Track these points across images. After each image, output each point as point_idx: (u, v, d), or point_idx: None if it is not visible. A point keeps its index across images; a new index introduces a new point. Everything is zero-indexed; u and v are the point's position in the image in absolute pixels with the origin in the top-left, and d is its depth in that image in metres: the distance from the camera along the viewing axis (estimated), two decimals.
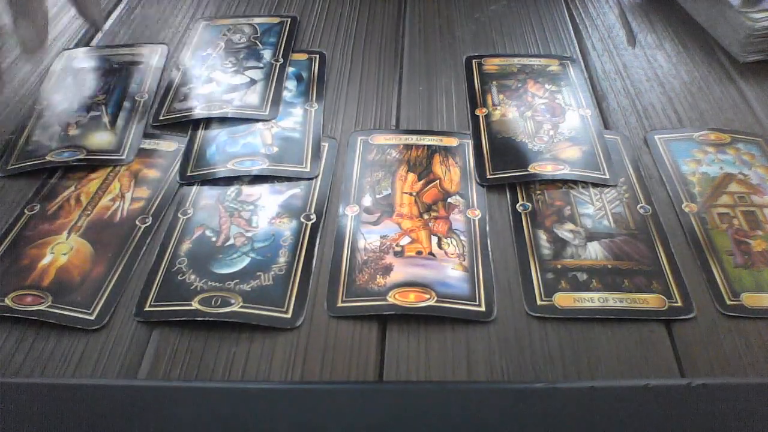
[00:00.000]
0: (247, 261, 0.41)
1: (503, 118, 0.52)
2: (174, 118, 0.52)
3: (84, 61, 0.59)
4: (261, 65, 0.58)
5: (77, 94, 0.55)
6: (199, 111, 0.53)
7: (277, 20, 0.64)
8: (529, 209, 0.44)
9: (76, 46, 0.62)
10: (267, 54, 0.59)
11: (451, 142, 0.50)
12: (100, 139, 0.50)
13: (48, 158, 0.48)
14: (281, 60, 0.58)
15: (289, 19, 0.64)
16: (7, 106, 0.54)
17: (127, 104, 0.53)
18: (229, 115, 0.52)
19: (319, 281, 0.40)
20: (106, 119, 0.52)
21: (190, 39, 0.62)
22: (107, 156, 0.49)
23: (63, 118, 0.52)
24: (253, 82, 0.56)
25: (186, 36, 0.63)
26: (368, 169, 0.48)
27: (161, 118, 0.53)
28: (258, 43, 0.61)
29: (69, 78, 0.57)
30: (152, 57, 0.59)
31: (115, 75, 0.57)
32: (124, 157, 0.49)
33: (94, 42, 0.63)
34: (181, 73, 0.57)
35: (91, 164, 0.48)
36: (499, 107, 0.53)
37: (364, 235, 0.43)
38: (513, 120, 0.52)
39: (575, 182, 0.46)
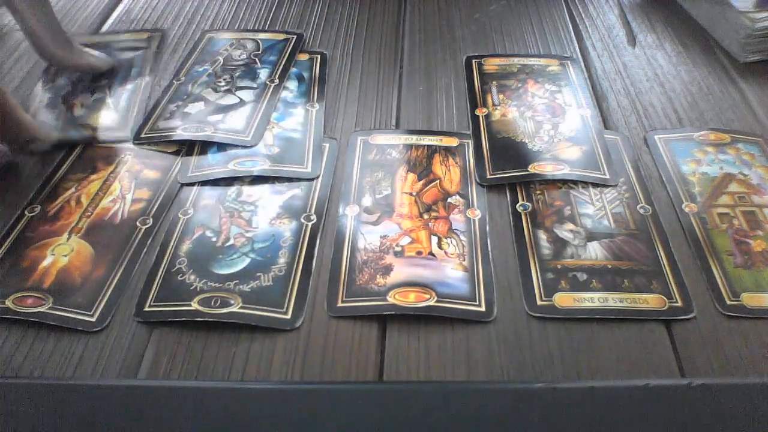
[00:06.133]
0: (247, 261, 0.41)
1: (503, 118, 0.52)
2: (156, 137, 0.50)
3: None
4: (255, 86, 0.55)
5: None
6: (181, 132, 0.50)
7: (282, 37, 0.62)
8: (529, 209, 0.44)
9: None
10: (263, 74, 0.57)
11: (451, 142, 0.50)
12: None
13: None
14: (276, 81, 0.56)
15: (295, 37, 0.62)
16: None
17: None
18: (213, 139, 0.50)
19: (319, 281, 0.40)
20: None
21: (191, 52, 0.60)
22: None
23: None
24: (242, 103, 0.53)
25: (185, 48, 0.61)
26: (368, 169, 0.48)
27: (142, 135, 0.51)
28: (257, 60, 0.58)
29: None
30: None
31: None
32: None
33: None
34: (174, 88, 0.55)
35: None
36: (499, 107, 0.53)
37: (364, 235, 0.43)
38: (513, 120, 0.52)
39: (575, 182, 0.46)
